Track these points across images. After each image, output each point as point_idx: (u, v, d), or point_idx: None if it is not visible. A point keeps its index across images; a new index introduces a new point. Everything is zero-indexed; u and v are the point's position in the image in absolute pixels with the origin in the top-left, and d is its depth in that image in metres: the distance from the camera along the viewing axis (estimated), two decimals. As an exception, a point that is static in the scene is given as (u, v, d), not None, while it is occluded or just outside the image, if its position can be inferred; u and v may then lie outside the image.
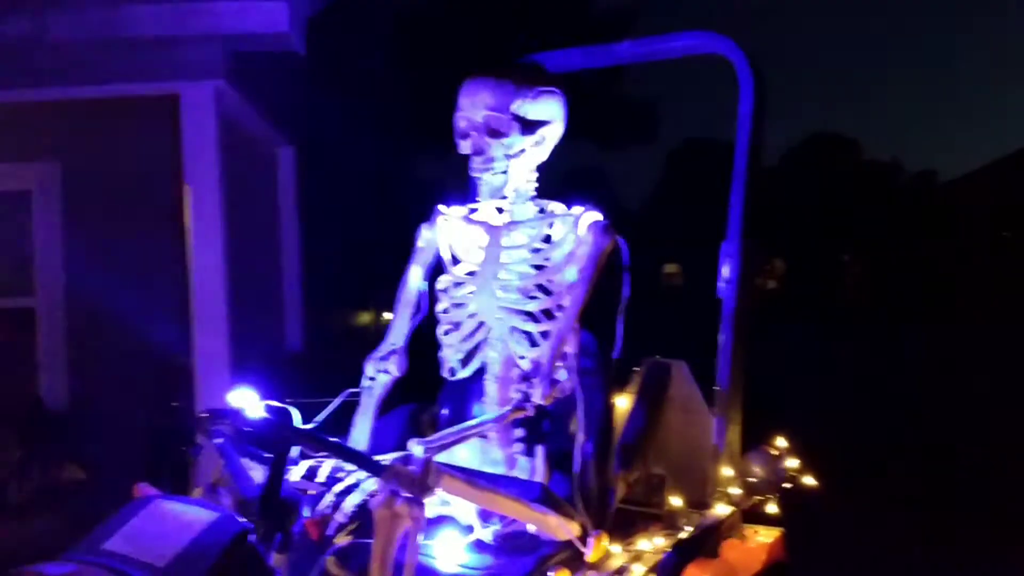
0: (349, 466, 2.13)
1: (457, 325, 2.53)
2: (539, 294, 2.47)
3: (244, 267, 5.38)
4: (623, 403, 2.79)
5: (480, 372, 2.53)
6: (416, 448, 1.91)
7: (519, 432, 2.48)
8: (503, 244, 2.51)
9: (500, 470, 2.44)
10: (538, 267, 2.48)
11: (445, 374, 2.56)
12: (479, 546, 2.20)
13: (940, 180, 26.04)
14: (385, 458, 1.99)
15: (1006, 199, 17.17)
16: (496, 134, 2.44)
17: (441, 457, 1.98)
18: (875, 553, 5.47)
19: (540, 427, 2.40)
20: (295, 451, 2.17)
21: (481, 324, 2.51)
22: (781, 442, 2.93)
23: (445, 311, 2.56)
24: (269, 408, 2.24)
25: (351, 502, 2.09)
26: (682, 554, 2.43)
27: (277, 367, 6.18)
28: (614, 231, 2.45)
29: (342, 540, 2.10)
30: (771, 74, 2.98)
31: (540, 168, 2.57)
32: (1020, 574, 5.14)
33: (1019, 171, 17.44)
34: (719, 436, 2.83)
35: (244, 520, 1.94)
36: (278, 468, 2.00)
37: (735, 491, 2.79)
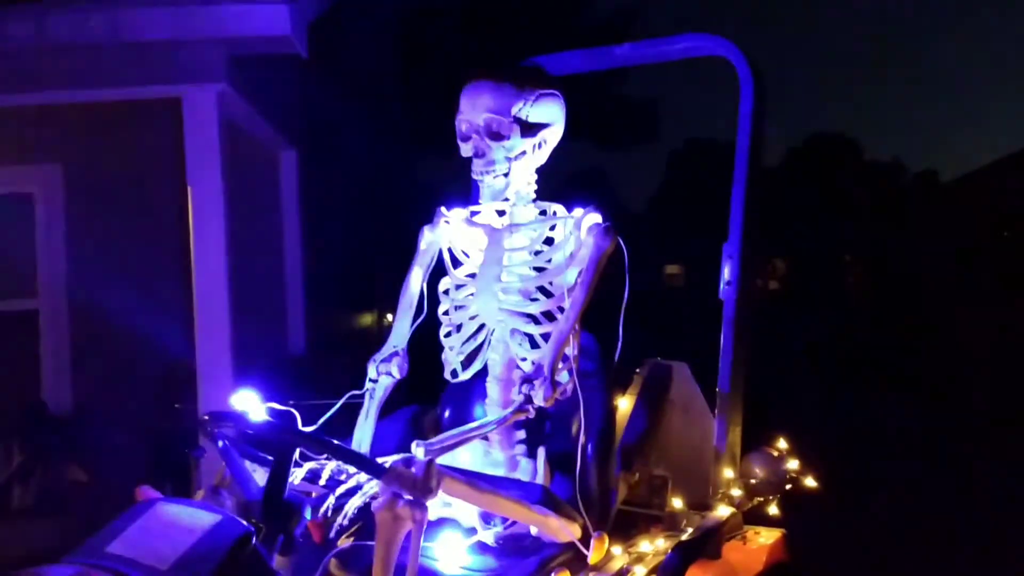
0: (351, 468, 2.13)
1: (458, 327, 2.54)
2: (540, 296, 2.48)
3: (246, 270, 5.38)
4: (624, 405, 2.80)
5: (482, 374, 2.54)
6: (418, 450, 1.92)
7: (521, 434, 2.49)
8: (504, 246, 2.51)
9: (502, 472, 2.44)
10: (539, 269, 2.48)
11: (447, 376, 2.56)
12: (481, 548, 2.21)
13: (941, 180, 25.99)
14: (387, 460, 1.99)
15: (1006, 199, 17.14)
16: (497, 137, 2.43)
17: (443, 459, 1.98)
18: (875, 553, 5.47)
19: (542, 429, 2.40)
20: (297, 454, 2.18)
21: (482, 326, 2.51)
22: (782, 443, 2.93)
23: (446, 313, 2.57)
24: (271, 411, 2.25)
25: (353, 504, 2.09)
26: (683, 555, 2.43)
27: (279, 370, 6.18)
28: (615, 232, 2.45)
29: (344, 542, 2.11)
30: (771, 75, 2.99)
31: (540, 170, 2.57)
32: (1020, 574, 5.14)
33: (1019, 171, 17.41)
34: (720, 437, 2.83)
35: (247, 523, 1.94)
36: (280, 470, 2.00)
37: (736, 492, 2.80)
